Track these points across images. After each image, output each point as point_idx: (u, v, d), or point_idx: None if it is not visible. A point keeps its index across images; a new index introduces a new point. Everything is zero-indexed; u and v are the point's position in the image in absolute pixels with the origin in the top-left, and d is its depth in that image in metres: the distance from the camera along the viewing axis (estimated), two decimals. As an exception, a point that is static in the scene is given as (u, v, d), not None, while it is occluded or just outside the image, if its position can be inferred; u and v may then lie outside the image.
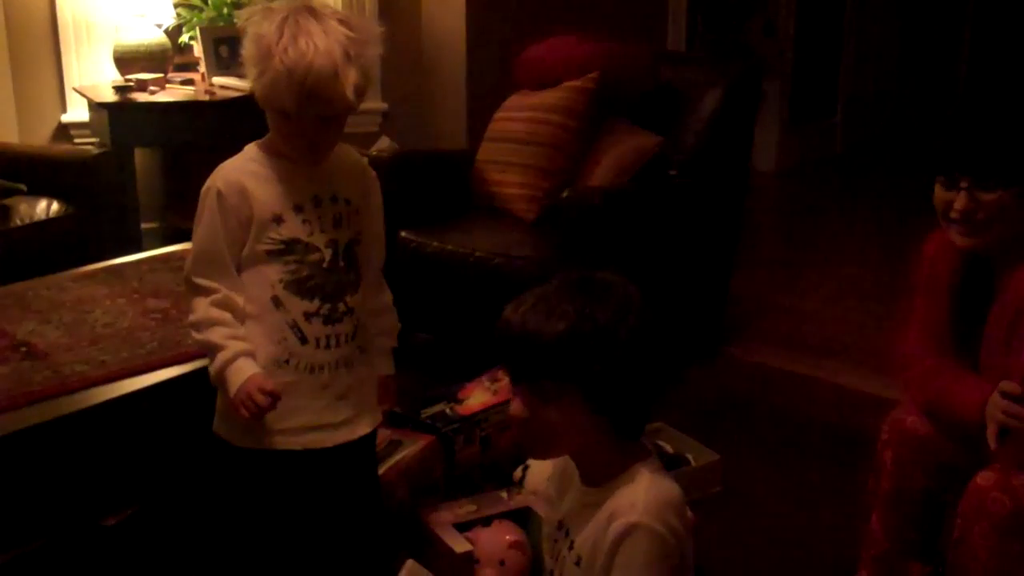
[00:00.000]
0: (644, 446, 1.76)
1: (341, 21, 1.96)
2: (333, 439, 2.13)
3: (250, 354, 2.02)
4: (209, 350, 2.03)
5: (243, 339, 2.03)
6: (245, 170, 2.05)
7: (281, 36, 1.91)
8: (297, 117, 1.96)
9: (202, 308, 2.03)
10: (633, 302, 1.68)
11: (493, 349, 1.73)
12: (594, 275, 1.73)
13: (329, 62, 1.91)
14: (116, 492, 2.40)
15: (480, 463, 2.82)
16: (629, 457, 1.72)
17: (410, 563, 2.05)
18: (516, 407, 1.72)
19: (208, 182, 2.05)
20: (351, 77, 1.95)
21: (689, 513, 1.72)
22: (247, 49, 1.97)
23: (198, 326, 2.04)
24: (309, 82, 1.91)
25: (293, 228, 2.04)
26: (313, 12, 1.95)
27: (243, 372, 2.00)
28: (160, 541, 2.44)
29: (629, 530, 1.63)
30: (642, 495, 1.66)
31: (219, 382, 2.04)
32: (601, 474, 1.72)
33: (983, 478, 2.04)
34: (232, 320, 2.03)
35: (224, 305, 2.03)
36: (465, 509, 2.62)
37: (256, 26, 1.95)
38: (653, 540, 1.63)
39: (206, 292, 2.02)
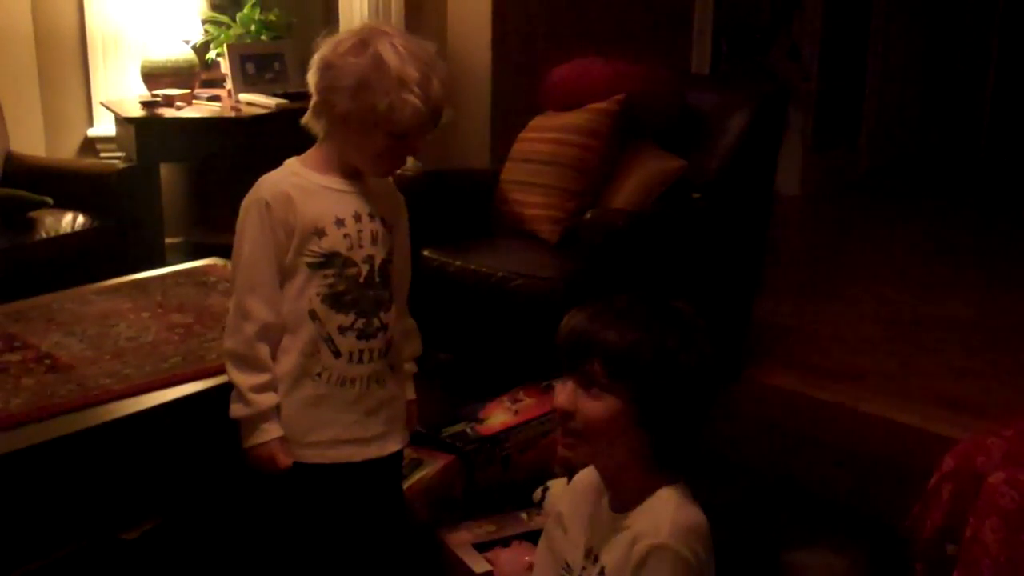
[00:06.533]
0: (675, 472, 1.75)
1: (414, 39, 2.04)
2: (363, 454, 2.14)
3: (273, 413, 2.07)
4: (234, 389, 2.08)
5: (271, 387, 2.07)
6: (289, 182, 2.07)
7: (405, 64, 1.96)
8: (407, 138, 2.02)
9: (242, 339, 2.05)
10: (699, 333, 1.72)
11: (550, 355, 1.76)
12: (666, 300, 1.77)
13: (443, 84, 2.01)
14: (137, 505, 2.41)
15: (500, 483, 2.82)
16: (658, 481, 1.72)
17: None
18: (562, 398, 1.73)
19: (252, 194, 2.07)
20: (447, 96, 2.03)
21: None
22: (364, 78, 1.97)
23: (235, 358, 2.07)
24: (439, 106, 2.01)
25: (334, 241, 2.06)
26: (395, 33, 2.02)
27: (266, 434, 2.07)
28: (179, 555, 2.44)
29: (652, 551, 1.63)
30: (668, 518, 1.66)
31: (238, 425, 2.09)
32: (631, 498, 1.73)
33: (995, 477, 2.04)
34: (266, 358, 2.06)
35: (265, 336, 2.06)
36: (485, 529, 2.61)
37: (365, 56, 1.97)
38: (677, 562, 1.62)
39: (253, 319, 2.04)
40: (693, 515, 1.70)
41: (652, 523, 1.67)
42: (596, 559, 1.76)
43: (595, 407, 1.70)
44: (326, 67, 2.02)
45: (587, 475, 1.89)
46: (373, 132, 2.01)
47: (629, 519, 1.71)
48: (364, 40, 1.99)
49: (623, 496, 1.75)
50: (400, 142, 2.02)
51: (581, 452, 1.77)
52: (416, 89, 1.95)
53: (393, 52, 1.97)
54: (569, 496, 1.92)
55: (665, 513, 1.68)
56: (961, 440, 2.35)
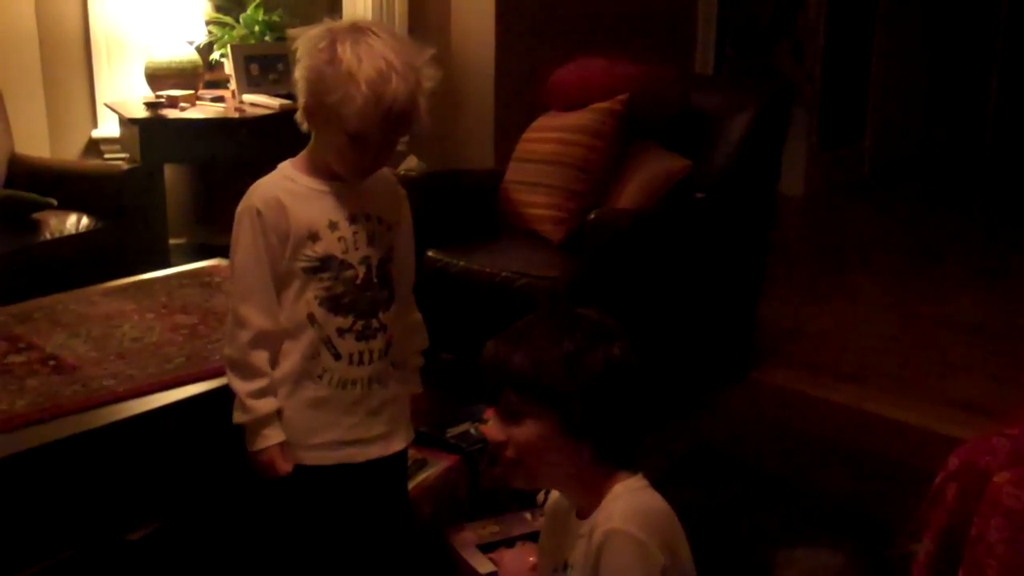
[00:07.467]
0: (629, 467, 1.79)
1: (398, 41, 1.97)
2: (366, 454, 2.13)
3: (273, 418, 2.06)
4: (235, 397, 2.07)
5: (269, 392, 2.06)
6: (281, 187, 2.05)
7: (360, 61, 1.90)
8: (371, 140, 1.96)
9: (240, 346, 2.04)
10: (605, 331, 1.75)
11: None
12: (571, 310, 1.81)
13: (408, 87, 1.93)
14: (141, 507, 2.41)
15: (504, 484, 2.82)
16: (612, 480, 1.76)
17: None
18: (491, 431, 1.79)
19: (244, 202, 2.05)
20: (423, 100, 1.97)
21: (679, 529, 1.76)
22: (319, 72, 1.94)
23: (232, 365, 2.07)
24: (396, 108, 1.92)
25: (328, 245, 2.04)
26: (376, 32, 1.95)
27: (266, 439, 2.06)
28: (184, 557, 2.44)
29: (607, 537, 1.67)
30: (620, 506, 1.72)
31: (243, 429, 2.08)
32: (590, 503, 1.77)
33: (1000, 476, 2.04)
34: (263, 364, 2.05)
35: (263, 343, 2.04)
36: (489, 530, 2.61)
37: (324, 50, 1.93)
38: (630, 544, 1.66)
39: (248, 327, 2.03)
40: (648, 501, 1.74)
41: (605, 513, 1.71)
42: (566, 567, 1.81)
43: (521, 432, 1.74)
44: (297, 59, 1.99)
45: (555, 503, 1.94)
46: (329, 129, 1.98)
47: (590, 521, 1.75)
48: (330, 32, 1.95)
49: (583, 504, 1.79)
50: (358, 144, 1.96)
51: (524, 477, 1.82)
52: (364, 86, 1.89)
53: (351, 47, 1.91)
54: (546, 526, 1.98)
55: (618, 502, 1.72)
56: (966, 440, 2.34)
